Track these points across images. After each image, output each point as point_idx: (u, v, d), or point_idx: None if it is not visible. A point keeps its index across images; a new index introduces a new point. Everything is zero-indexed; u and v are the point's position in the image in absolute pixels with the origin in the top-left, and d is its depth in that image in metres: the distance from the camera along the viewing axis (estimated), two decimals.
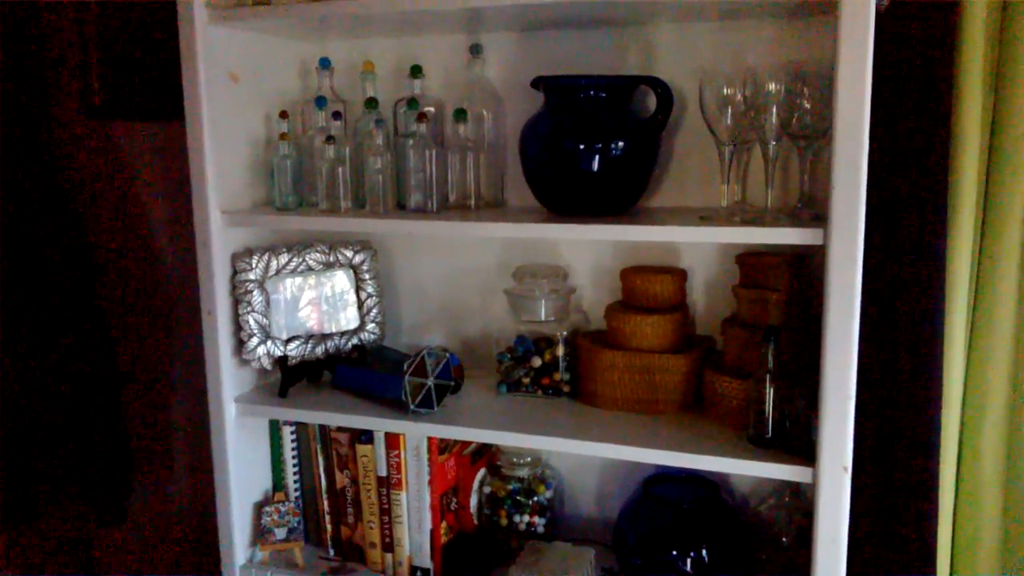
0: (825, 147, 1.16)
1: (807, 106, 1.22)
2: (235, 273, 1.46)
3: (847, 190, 1.08)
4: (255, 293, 1.45)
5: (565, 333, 1.45)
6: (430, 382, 1.37)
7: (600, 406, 1.40)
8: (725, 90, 1.23)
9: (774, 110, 1.21)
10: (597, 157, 1.31)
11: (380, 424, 1.40)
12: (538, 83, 1.39)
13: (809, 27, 1.34)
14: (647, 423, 1.34)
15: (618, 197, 1.36)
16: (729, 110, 1.23)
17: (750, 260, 1.34)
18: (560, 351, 1.44)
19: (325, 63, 1.54)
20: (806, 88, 1.22)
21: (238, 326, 1.46)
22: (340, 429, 1.51)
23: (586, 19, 1.40)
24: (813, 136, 1.23)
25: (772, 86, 1.20)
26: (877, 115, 1.12)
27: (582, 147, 1.31)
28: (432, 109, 1.51)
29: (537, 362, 1.44)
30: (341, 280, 1.57)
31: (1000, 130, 1.27)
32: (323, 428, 1.53)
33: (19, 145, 1.82)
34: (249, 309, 1.44)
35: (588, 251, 1.54)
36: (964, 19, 1.24)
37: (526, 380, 1.45)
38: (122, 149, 1.89)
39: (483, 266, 1.61)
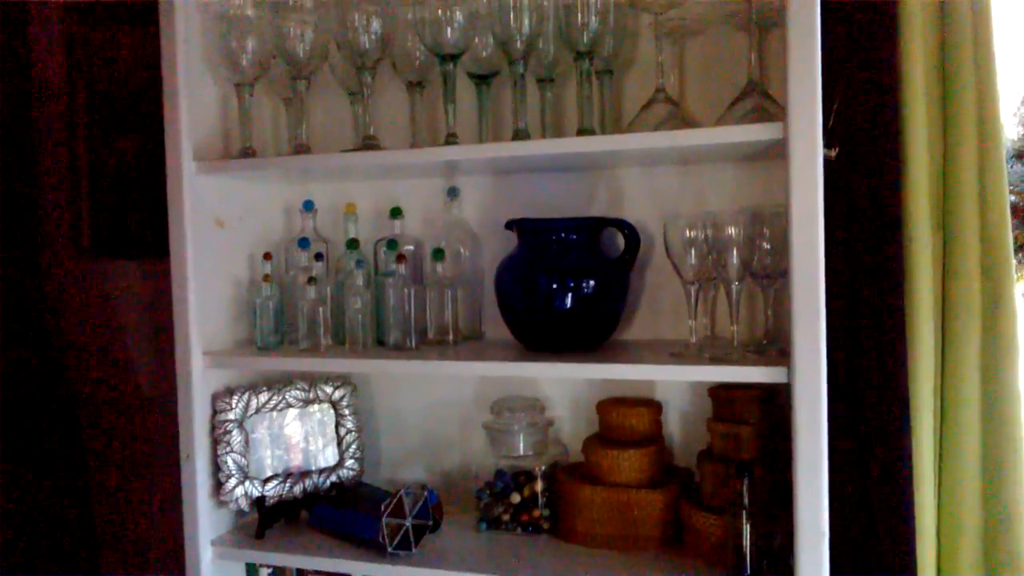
0: (786, 285, 1.21)
1: (767, 247, 1.28)
2: (215, 413, 1.47)
3: (807, 329, 1.12)
4: (234, 433, 1.46)
5: (544, 467, 1.46)
6: (408, 523, 1.36)
7: (580, 543, 1.39)
8: (688, 232, 1.29)
9: (735, 251, 1.27)
10: (570, 295, 1.36)
11: (357, 568, 1.38)
12: (512, 225, 1.45)
13: (767, 169, 1.42)
14: (626, 561, 1.32)
15: (591, 333, 1.40)
16: (693, 251, 1.29)
17: (722, 394, 1.37)
18: (539, 486, 1.44)
19: (308, 206, 1.60)
20: (766, 229, 1.28)
21: (216, 467, 1.46)
22: (318, 572, 1.48)
23: (556, 165, 1.48)
24: (774, 275, 1.29)
25: (732, 229, 1.26)
26: (835, 248, 1.18)
27: (555, 286, 1.36)
28: (411, 247, 1.57)
29: (516, 498, 1.44)
30: (321, 416, 1.58)
31: (951, 266, 1.34)
32: (300, 570, 1.50)
33: (8, 281, 1.86)
34: (228, 450, 1.45)
35: (565, 383, 1.56)
36: (909, 174, 1.32)
37: (505, 517, 1.45)
38: (108, 286, 1.93)
39: (462, 399, 1.63)
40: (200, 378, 1.45)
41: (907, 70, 1.32)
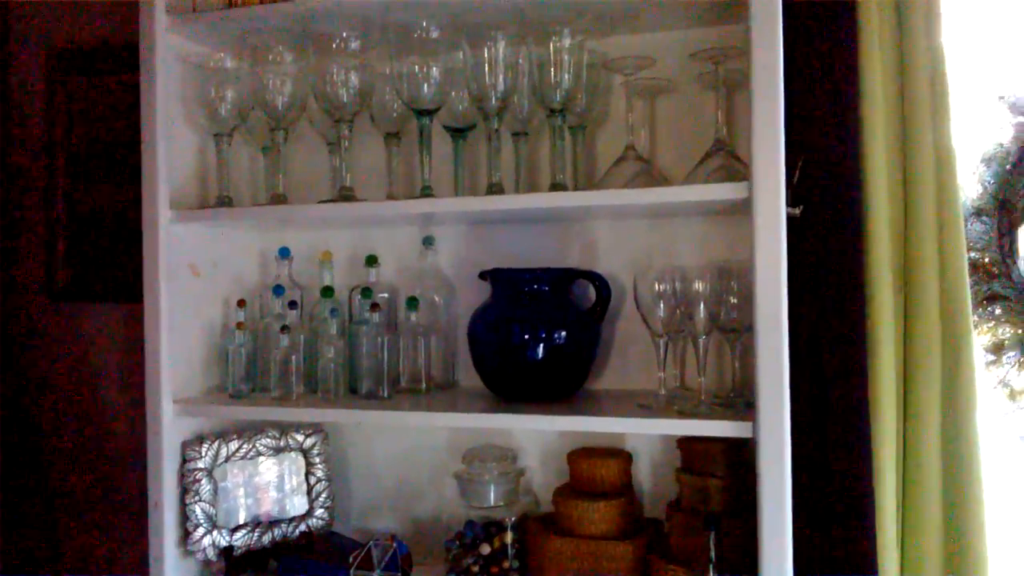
0: (752, 339, 1.23)
1: (734, 301, 1.30)
2: (184, 461, 1.46)
3: (771, 385, 1.15)
4: (203, 482, 1.45)
5: (514, 518, 1.45)
6: (376, 575, 1.35)
7: None
8: (657, 286, 1.31)
9: (703, 305, 1.29)
10: (541, 345, 1.37)
11: None
12: (485, 275, 1.47)
13: (735, 223, 1.45)
14: None
15: (563, 383, 1.41)
16: (662, 304, 1.31)
17: (690, 445, 1.38)
18: (509, 537, 1.44)
19: (284, 253, 1.61)
20: (733, 283, 1.31)
21: (184, 515, 1.45)
22: None
23: (530, 217, 1.51)
24: (741, 329, 1.31)
25: (700, 284, 1.29)
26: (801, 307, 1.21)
27: (527, 336, 1.38)
28: (386, 295, 1.58)
29: (486, 549, 1.44)
30: (291, 465, 1.57)
31: (911, 321, 1.38)
32: None
33: None
34: (197, 499, 1.44)
35: (536, 433, 1.57)
36: (870, 231, 1.36)
37: (475, 568, 1.44)
38: (81, 331, 1.92)
39: (434, 447, 1.63)
40: (170, 426, 1.44)
41: (868, 131, 1.36)
